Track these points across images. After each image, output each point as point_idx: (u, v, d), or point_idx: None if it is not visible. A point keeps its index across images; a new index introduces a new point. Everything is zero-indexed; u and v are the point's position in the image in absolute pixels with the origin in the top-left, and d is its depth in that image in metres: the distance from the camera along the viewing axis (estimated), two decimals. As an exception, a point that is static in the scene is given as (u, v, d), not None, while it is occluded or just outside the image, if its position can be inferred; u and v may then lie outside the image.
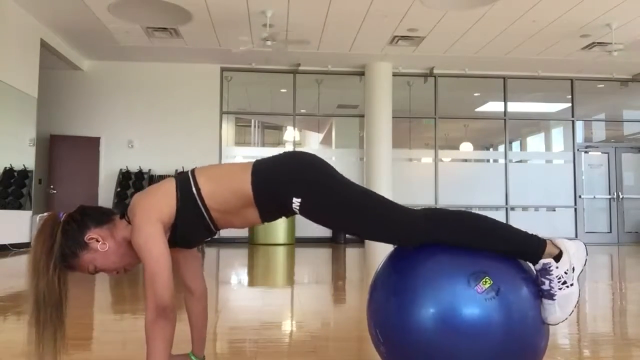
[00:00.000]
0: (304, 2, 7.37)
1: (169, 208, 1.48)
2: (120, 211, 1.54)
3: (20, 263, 6.12)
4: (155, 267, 1.39)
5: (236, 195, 1.51)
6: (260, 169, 1.53)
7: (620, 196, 11.05)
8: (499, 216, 10.63)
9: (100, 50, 9.60)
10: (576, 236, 10.65)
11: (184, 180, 1.52)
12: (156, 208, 1.46)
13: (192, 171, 1.55)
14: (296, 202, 1.49)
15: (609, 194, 11.07)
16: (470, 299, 1.38)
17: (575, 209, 10.83)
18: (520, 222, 10.54)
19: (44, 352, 1.39)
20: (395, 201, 1.55)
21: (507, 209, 10.71)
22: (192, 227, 1.52)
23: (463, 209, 1.58)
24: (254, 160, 1.59)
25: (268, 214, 1.56)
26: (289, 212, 1.54)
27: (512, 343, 1.39)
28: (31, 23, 8.15)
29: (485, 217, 1.54)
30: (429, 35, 8.66)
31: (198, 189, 1.50)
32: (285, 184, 1.50)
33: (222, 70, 10.45)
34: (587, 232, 10.82)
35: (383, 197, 1.55)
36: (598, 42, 8.79)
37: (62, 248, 1.42)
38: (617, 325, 2.74)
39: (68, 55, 9.43)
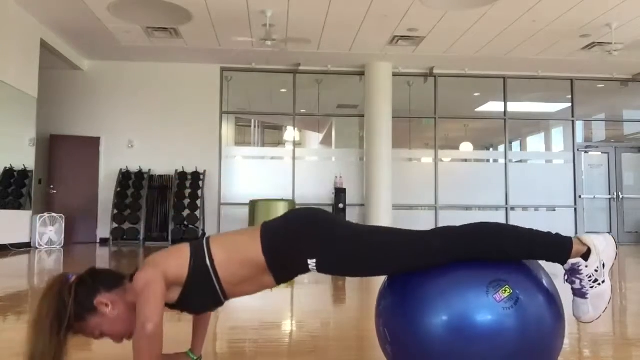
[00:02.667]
0: (304, 2, 7.37)
1: (177, 268, 1.48)
2: (130, 274, 1.52)
3: (20, 263, 6.12)
4: (148, 294, 1.39)
5: (250, 265, 1.50)
6: (269, 234, 1.52)
7: (620, 196, 11.05)
8: (499, 216, 10.64)
9: (100, 50, 9.61)
10: (576, 236, 10.64)
11: (198, 249, 1.51)
12: (164, 264, 1.47)
13: (207, 239, 1.54)
14: (312, 263, 1.48)
15: (609, 194, 11.07)
16: (487, 306, 1.35)
17: (575, 209, 10.83)
18: (520, 222, 10.54)
19: None
20: (402, 228, 1.53)
21: (507, 209, 10.71)
22: (202, 296, 1.51)
23: (481, 223, 1.51)
24: (261, 224, 1.57)
25: (283, 277, 1.55)
26: (305, 272, 1.53)
27: (527, 352, 1.37)
28: (31, 23, 8.15)
29: (506, 227, 1.50)
30: (429, 35, 8.66)
31: (212, 261, 1.49)
32: (297, 247, 1.49)
33: (222, 70, 10.45)
34: (587, 232, 10.80)
35: (394, 232, 1.52)
36: (598, 42, 8.79)
37: (70, 310, 1.40)
38: (617, 325, 2.73)
39: (68, 55, 9.43)
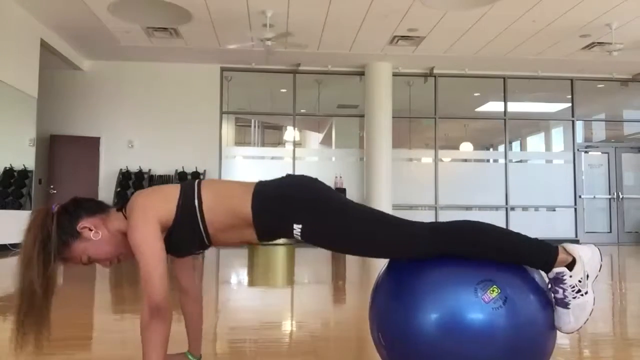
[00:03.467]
0: (304, 2, 7.37)
1: (167, 212, 1.47)
2: (118, 205, 1.53)
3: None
4: (150, 266, 1.39)
5: (235, 216, 1.49)
6: (261, 192, 1.51)
7: (620, 196, 11.05)
8: (499, 216, 10.63)
9: (100, 50, 9.61)
10: (576, 236, 10.65)
11: (188, 190, 1.51)
12: (155, 208, 1.46)
13: (199, 182, 1.54)
14: (297, 228, 1.47)
15: (609, 194, 11.07)
16: (476, 307, 1.35)
17: (575, 209, 10.83)
18: (520, 222, 10.58)
19: (24, 340, 1.38)
20: (397, 215, 1.51)
21: (507, 209, 10.71)
22: (186, 237, 1.51)
23: (470, 220, 1.52)
24: (257, 181, 1.57)
25: (266, 236, 1.55)
26: (288, 236, 1.52)
27: (518, 351, 1.37)
28: (31, 23, 8.15)
29: (493, 228, 1.49)
30: (429, 35, 8.66)
31: (200, 202, 1.49)
32: (285, 210, 1.49)
33: (222, 70, 10.45)
34: (587, 232, 10.82)
35: (384, 214, 1.52)
36: (598, 42, 8.79)
37: (55, 239, 1.42)
38: (617, 325, 2.74)
39: (68, 55, 9.43)
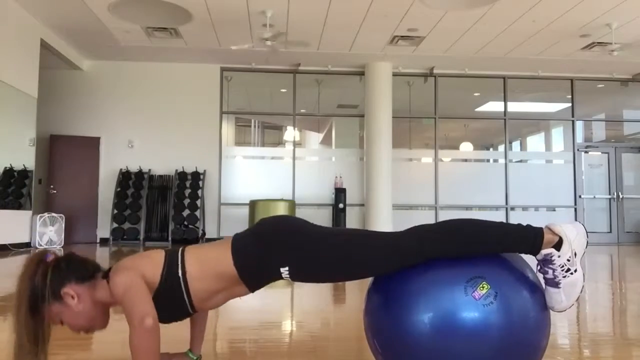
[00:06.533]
0: (304, 2, 7.37)
1: (152, 274, 1.47)
2: (103, 272, 1.51)
3: (20, 263, 6.12)
4: (133, 291, 1.39)
5: (223, 279, 1.49)
6: (240, 247, 1.51)
7: (620, 196, 11.05)
8: (499, 216, 10.64)
9: (100, 50, 9.61)
10: (576, 236, 10.63)
11: (172, 257, 1.50)
12: (139, 268, 1.47)
13: (183, 250, 1.53)
14: (284, 271, 1.47)
15: (609, 194, 11.07)
16: (468, 305, 1.35)
17: (575, 209, 10.83)
18: (520, 222, 10.55)
19: None
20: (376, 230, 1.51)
21: (507, 209, 10.71)
22: (169, 306, 1.49)
23: (449, 219, 1.52)
24: (232, 235, 1.56)
25: (257, 285, 1.55)
26: (279, 279, 1.52)
27: (513, 346, 1.37)
28: (31, 23, 8.15)
29: (475, 222, 1.48)
30: (429, 35, 8.66)
31: (184, 272, 1.48)
32: (267, 257, 1.48)
33: (222, 70, 10.45)
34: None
35: (367, 234, 1.52)
36: (598, 42, 8.79)
37: (42, 293, 1.42)
38: (617, 325, 2.74)
39: (68, 55, 9.43)
